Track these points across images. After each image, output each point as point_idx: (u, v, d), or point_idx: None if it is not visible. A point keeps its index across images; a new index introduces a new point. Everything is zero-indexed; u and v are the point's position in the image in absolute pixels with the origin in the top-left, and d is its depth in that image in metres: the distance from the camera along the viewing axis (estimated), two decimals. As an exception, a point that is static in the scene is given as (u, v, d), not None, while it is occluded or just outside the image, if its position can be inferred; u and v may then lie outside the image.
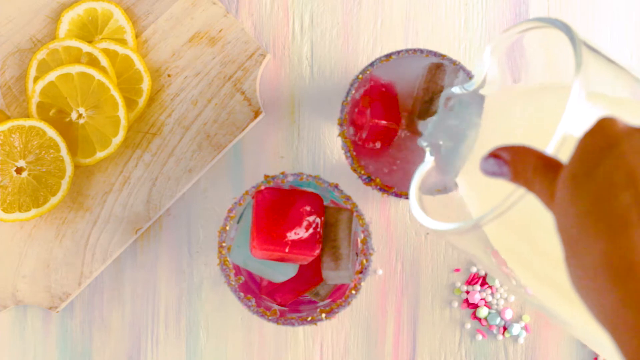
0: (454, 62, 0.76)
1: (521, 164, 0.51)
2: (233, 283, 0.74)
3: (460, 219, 0.59)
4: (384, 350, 0.82)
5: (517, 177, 0.52)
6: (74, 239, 0.81)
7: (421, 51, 0.76)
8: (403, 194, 0.76)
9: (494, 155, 0.53)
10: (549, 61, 0.66)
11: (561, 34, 0.57)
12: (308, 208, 0.73)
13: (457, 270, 0.82)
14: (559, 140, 0.53)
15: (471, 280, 0.82)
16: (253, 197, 0.74)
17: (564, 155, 0.52)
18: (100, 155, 0.81)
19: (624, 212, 0.46)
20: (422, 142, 0.67)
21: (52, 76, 0.80)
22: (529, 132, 0.62)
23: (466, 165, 0.65)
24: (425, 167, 0.66)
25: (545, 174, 0.50)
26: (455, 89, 0.65)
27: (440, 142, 0.66)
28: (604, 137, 0.49)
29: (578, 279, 0.48)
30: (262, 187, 0.74)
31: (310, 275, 0.76)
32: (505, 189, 0.54)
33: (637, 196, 0.46)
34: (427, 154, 0.66)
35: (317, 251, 0.73)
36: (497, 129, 0.64)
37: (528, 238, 0.58)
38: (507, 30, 0.62)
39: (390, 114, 0.77)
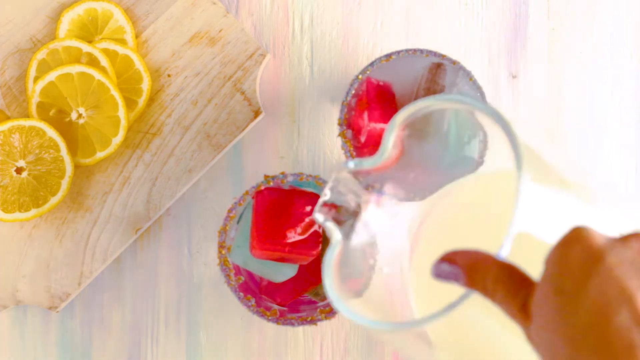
0: (453, 62, 0.76)
1: (479, 273, 0.51)
2: (233, 283, 0.74)
3: (385, 306, 0.58)
4: (384, 350, 0.82)
5: (474, 284, 0.51)
6: (74, 239, 0.81)
7: (421, 51, 0.76)
8: (408, 195, 0.76)
9: (448, 259, 0.52)
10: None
11: (491, 120, 0.55)
12: (308, 208, 0.73)
13: (457, 270, 0.82)
14: (513, 241, 0.51)
15: (471, 281, 0.82)
16: (253, 197, 0.74)
17: (518, 255, 0.51)
18: (100, 155, 0.81)
19: (625, 334, 0.45)
20: (319, 217, 0.62)
21: (52, 76, 0.80)
22: (475, 226, 0.61)
23: (409, 258, 0.64)
24: (335, 249, 0.61)
25: (511, 288, 0.50)
26: (350, 164, 0.62)
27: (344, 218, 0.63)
28: (584, 249, 0.48)
29: None
30: (262, 187, 0.74)
31: (310, 275, 0.76)
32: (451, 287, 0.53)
33: (635, 315, 0.46)
34: (335, 232, 0.61)
35: (317, 251, 0.73)
36: (441, 220, 0.63)
37: (471, 338, 0.56)
38: (417, 104, 0.59)
39: (390, 115, 0.77)
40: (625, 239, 0.48)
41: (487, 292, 0.50)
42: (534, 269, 0.50)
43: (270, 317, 0.74)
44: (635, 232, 0.49)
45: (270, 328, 0.82)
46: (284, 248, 0.72)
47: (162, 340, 0.82)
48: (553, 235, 0.51)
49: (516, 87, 0.83)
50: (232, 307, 0.82)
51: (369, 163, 0.62)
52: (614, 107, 0.83)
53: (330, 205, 0.63)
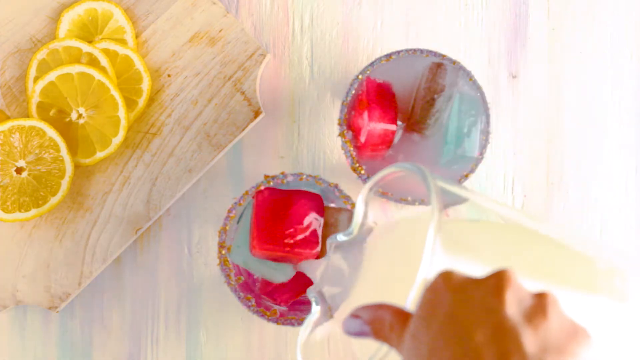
0: (453, 62, 0.76)
1: (379, 323, 0.53)
2: (233, 283, 0.74)
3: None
4: (384, 350, 0.82)
5: (378, 335, 0.53)
6: (74, 239, 0.81)
7: (421, 51, 0.76)
8: (402, 199, 0.76)
9: (355, 315, 0.54)
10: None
11: (419, 177, 0.58)
12: (308, 208, 0.73)
13: (457, 270, 0.82)
14: (417, 294, 0.53)
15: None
16: (253, 197, 0.74)
17: None
18: (100, 155, 0.81)
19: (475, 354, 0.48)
20: (310, 293, 0.67)
21: (52, 76, 0.80)
22: (404, 274, 0.63)
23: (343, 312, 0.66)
24: (313, 318, 0.66)
25: (402, 332, 0.52)
26: (340, 236, 0.66)
27: (325, 290, 0.67)
28: (441, 291, 0.51)
29: None
30: (262, 187, 0.74)
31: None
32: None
33: (469, 352, 0.48)
34: (313, 303, 0.67)
35: (317, 251, 0.73)
36: (374, 274, 0.65)
37: None
38: (373, 178, 0.63)
39: (390, 115, 0.77)
40: (484, 279, 0.51)
41: (386, 340, 0.53)
42: None
43: (270, 317, 0.74)
44: (497, 270, 0.51)
45: (270, 328, 0.82)
46: (284, 248, 0.72)
47: (162, 340, 0.82)
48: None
49: (516, 87, 0.83)
50: (232, 307, 0.82)
51: (345, 235, 0.66)
52: (614, 107, 0.83)
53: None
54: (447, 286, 0.51)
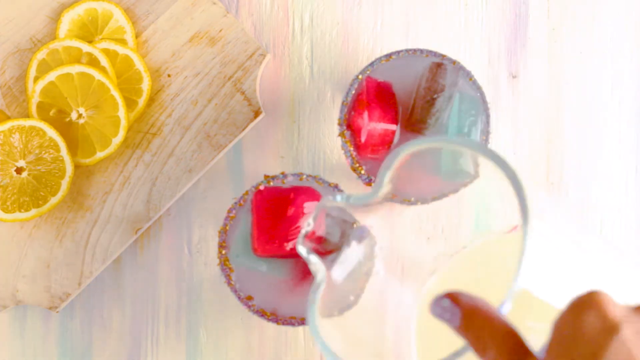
0: (453, 62, 0.76)
1: (478, 321, 0.48)
2: (233, 283, 0.74)
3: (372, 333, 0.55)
4: (384, 350, 0.82)
5: (468, 331, 0.48)
6: (74, 239, 0.81)
7: (421, 51, 0.76)
8: (406, 200, 0.76)
9: (452, 298, 0.49)
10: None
11: (497, 169, 0.52)
12: (308, 205, 0.73)
13: (457, 270, 0.82)
14: (515, 297, 0.49)
15: (471, 281, 0.82)
16: (253, 197, 0.74)
17: (517, 311, 0.48)
18: (100, 155, 0.81)
19: None
20: (302, 250, 0.60)
21: (52, 76, 0.80)
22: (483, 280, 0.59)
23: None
24: (319, 290, 0.59)
25: (506, 349, 0.47)
26: (338, 197, 0.59)
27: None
28: (599, 317, 0.45)
29: None
30: (262, 187, 0.74)
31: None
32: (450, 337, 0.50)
33: None
34: (320, 272, 0.59)
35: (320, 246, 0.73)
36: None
37: None
38: (408, 146, 0.56)
39: (390, 115, 0.77)
40: None
41: (478, 344, 0.48)
42: (527, 328, 0.48)
43: (270, 317, 0.74)
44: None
45: (270, 328, 0.82)
46: (285, 248, 0.72)
47: (162, 340, 0.82)
48: (553, 295, 0.49)
49: (516, 87, 0.83)
50: (232, 307, 0.82)
51: (358, 199, 0.57)
52: (614, 107, 0.83)
53: (314, 237, 0.61)
54: (609, 310, 0.45)
